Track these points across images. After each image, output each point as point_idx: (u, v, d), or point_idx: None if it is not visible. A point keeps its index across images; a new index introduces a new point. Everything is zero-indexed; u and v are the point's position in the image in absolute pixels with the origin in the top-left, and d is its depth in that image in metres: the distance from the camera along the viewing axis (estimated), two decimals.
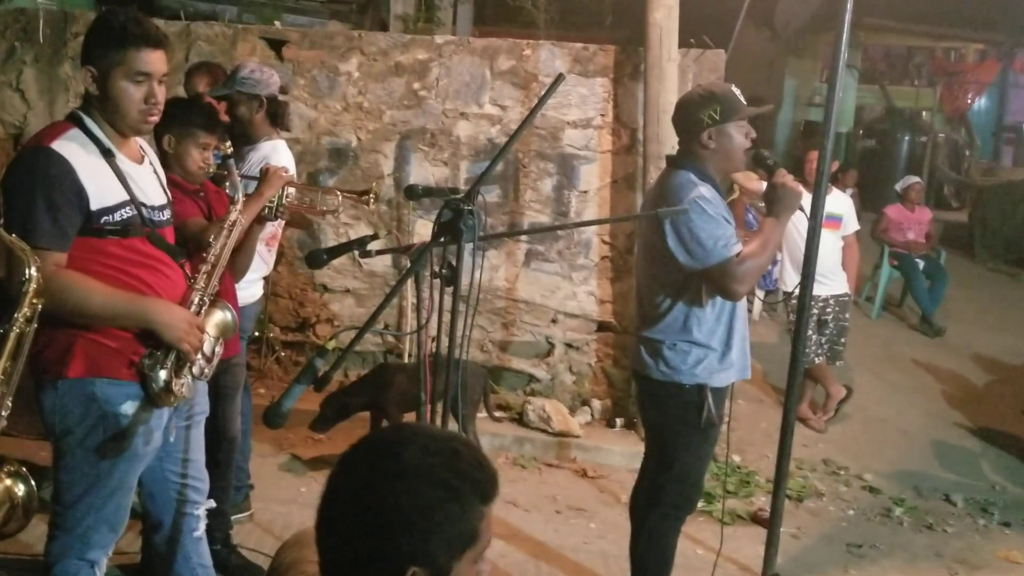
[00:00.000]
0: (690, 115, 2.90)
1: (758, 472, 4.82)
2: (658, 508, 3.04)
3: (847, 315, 5.69)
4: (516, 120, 5.05)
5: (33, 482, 2.16)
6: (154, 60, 2.24)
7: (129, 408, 2.29)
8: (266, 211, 3.01)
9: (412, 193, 2.34)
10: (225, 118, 3.46)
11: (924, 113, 16.63)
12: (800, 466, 4.99)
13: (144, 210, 2.32)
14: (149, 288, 2.31)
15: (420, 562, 1.26)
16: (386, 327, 5.24)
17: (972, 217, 12.73)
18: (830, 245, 5.33)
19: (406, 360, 5.19)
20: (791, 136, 16.19)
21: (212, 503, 2.73)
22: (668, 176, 2.94)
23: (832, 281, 5.51)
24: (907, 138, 15.05)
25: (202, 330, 2.38)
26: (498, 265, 5.23)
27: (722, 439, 3.11)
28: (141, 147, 2.44)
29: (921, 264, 8.18)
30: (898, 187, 8.57)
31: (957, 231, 12.67)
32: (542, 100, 2.28)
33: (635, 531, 3.13)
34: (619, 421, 5.07)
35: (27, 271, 2.04)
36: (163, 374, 2.29)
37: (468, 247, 2.05)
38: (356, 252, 2.36)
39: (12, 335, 2.05)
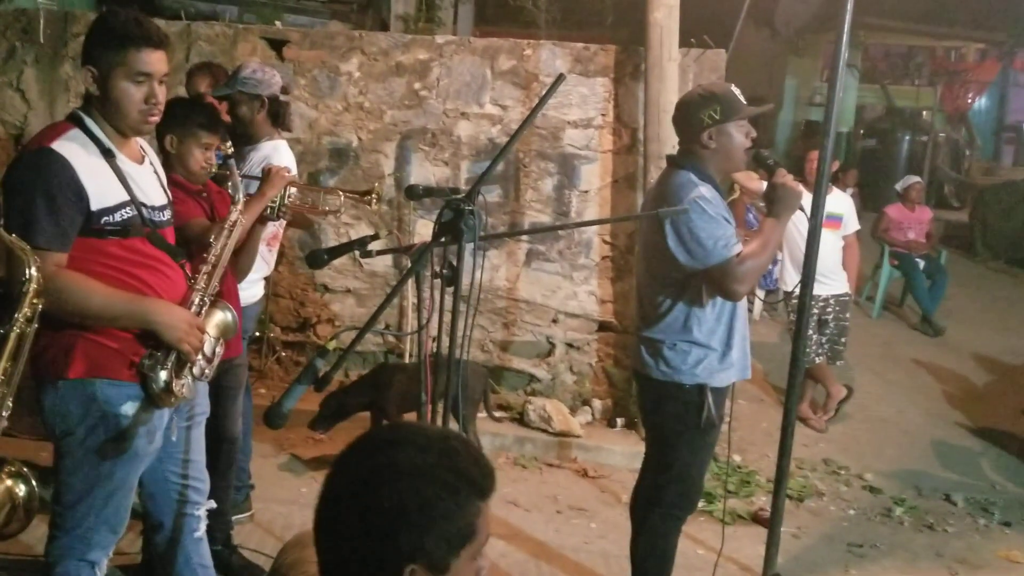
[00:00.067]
0: (690, 115, 2.90)
1: (759, 472, 4.82)
2: (658, 508, 3.04)
3: (847, 315, 5.69)
4: (517, 120, 5.04)
5: (34, 482, 2.17)
6: (155, 60, 2.24)
7: (130, 409, 2.29)
8: (268, 211, 3.01)
9: (413, 193, 2.34)
10: (227, 118, 3.46)
11: (924, 113, 16.64)
12: (801, 466, 4.99)
13: (144, 210, 2.32)
14: (149, 288, 2.31)
15: (418, 559, 1.26)
16: (387, 327, 5.24)
17: (972, 216, 12.74)
18: (830, 245, 5.33)
19: (407, 360, 5.19)
20: (791, 136, 16.21)
21: (213, 504, 2.73)
22: (668, 176, 2.94)
23: (832, 281, 5.51)
24: (908, 138, 15.07)
25: (202, 331, 2.38)
26: (499, 265, 5.23)
27: (723, 439, 3.11)
28: (141, 147, 2.44)
29: (921, 264, 8.19)
30: (898, 187, 8.58)
31: (958, 231, 12.68)
32: (543, 100, 2.28)
33: (635, 531, 3.13)
34: (620, 421, 5.06)
35: (27, 271, 2.04)
36: (163, 375, 2.29)
37: (469, 247, 2.05)
38: (357, 252, 2.36)
39: (12, 335, 2.05)
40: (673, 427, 2.97)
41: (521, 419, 4.98)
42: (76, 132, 2.24)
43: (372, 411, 4.37)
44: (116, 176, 2.26)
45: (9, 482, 2.12)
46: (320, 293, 5.40)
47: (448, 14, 8.95)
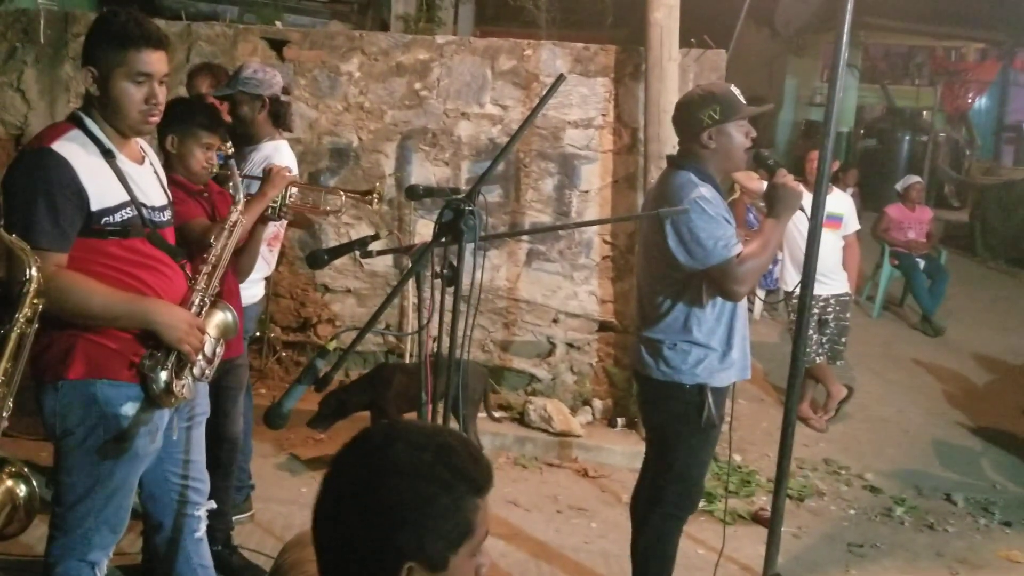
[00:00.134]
0: (690, 115, 2.90)
1: (759, 472, 4.82)
2: (659, 508, 3.04)
3: (848, 314, 5.69)
4: (517, 120, 5.04)
5: (35, 482, 2.17)
6: (155, 61, 2.24)
7: (130, 409, 2.29)
8: (269, 211, 3.01)
9: (413, 193, 2.35)
10: (228, 118, 3.46)
11: (925, 112, 16.64)
12: (801, 465, 4.99)
13: (144, 211, 2.32)
14: (149, 289, 2.31)
15: (416, 557, 1.26)
16: (387, 327, 5.24)
17: (973, 216, 12.74)
18: (831, 245, 5.33)
19: (407, 360, 5.19)
20: (792, 136, 16.21)
21: (213, 504, 2.73)
22: (669, 176, 2.94)
23: (833, 281, 5.52)
24: (908, 137, 15.07)
25: (203, 331, 2.38)
26: (499, 265, 5.23)
27: (723, 439, 3.11)
28: (141, 147, 2.44)
29: (922, 263, 8.19)
30: (899, 186, 8.58)
31: (958, 230, 12.68)
32: (543, 100, 2.28)
33: (636, 531, 3.13)
34: (620, 421, 5.06)
35: (28, 271, 2.04)
36: (164, 375, 2.29)
37: (469, 247, 2.05)
38: (357, 252, 2.36)
39: (13, 336, 2.05)
40: (673, 427, 2.97)
41: (521, 419, 4.98)
42: (76, 132, 2.24)
43: (372, 411, 4.37)
44: (116, 176, 2.26)
45: (10, 482, 2.12)
46: (321, 293, 5.40)
47: (448, 14, 8.95)
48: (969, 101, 17.71)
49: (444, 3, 8.71)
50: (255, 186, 3.09)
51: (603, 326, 5.26)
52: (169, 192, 2.51)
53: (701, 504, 3.66)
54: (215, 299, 2.49)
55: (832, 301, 5.55)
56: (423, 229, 5.15)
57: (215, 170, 2.91)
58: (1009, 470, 5.25)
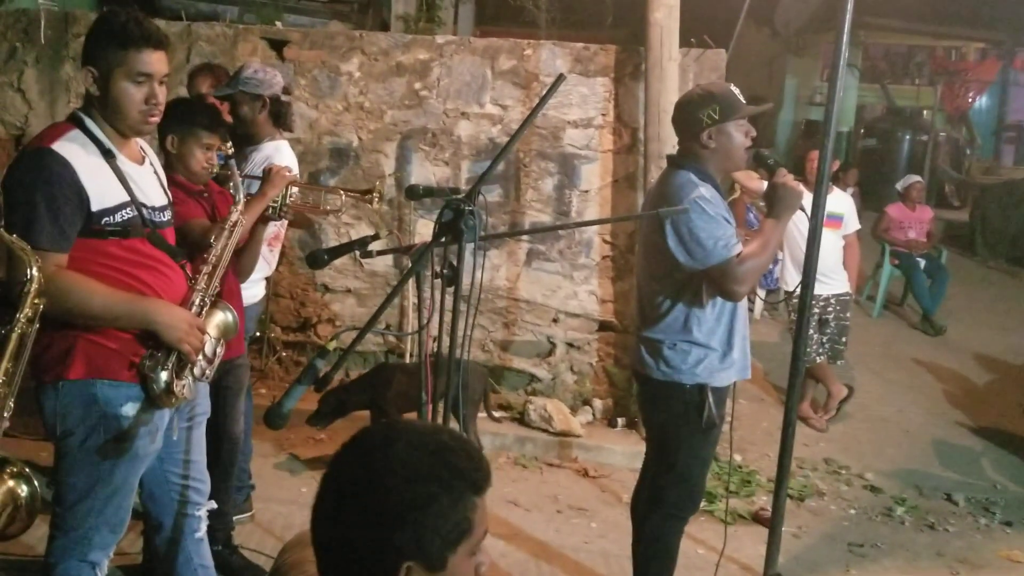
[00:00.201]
0: (689, 115, 2.89)
1: (759, 471, 4.82)
2: (660, 509, 3.04)
3: (848, 314, 5.69)
4: (517, 120, 5.04)
5: (36, 482, 2.17)
6: (155, 61, 2.24)
7: (130, 409, 2.29)
8: (270, 211, 3.01)
9: (413, 193, 2.34)
10: (228, 118, 3.46)
11: (925, 112, 16.66)
12: (801, 465, 4.99)
13: (145, 211, 2.32)
14: (150, 289, 2.31)
15: (415, 557, 1.26)
16: (387, 327, 5.24)
17: (973, 216, 12.75)
18: (831, 244, 5.33)
19: (407, 360, 5.19)
20: (792, 135, 16.22)
21: (213, 504, 2.73)
22: (669, 176, 2.94)
23: (833, 280, 5.52)
24: (908, 137, 15.07)
25: (203, 331, 2.38)
26: (499, 265, 5.23)
27: (724, 438, 3.11)
28: (141, 148, 2.44)
29: (922, 263, 8.20)
30: (899, 186, 8.59)
31: (958, 230, 12.69)
32: (543, 100, 2.28)
33: (637, 532, 3.13)
34: (620, 421, 5.06)
35: (29, 271, 2.04)
36: (164, 375, 2.29)
37: (469, 247, 2.05)
38: (357, 252, 2.36)
39: (14, 336, 2.05)
40: (674, 427, 2.96)
41: (522, 419, 4.99)
42: (76, 133, 2.24)
43: (372, 410, 4.37)
44: (116, 177, 2.26)
45: (11, 483, 2.12)
46: (321, 293, 5.40)
47: (448, 14, 8.95)
48: (969, 101, 17.73)
49: (444, 3, 8.71)
50: (255, 186, 3.09)
51: (603, 326, 5.25)
52: (169, 192, 2.51)
53: (702, 504, 3.66)
54: (215, 299, 2.49)
55: (832, 301, 5.55)
56: (423, 229, 5.15)
57: (215, 170, 2.91)
58: (1010, 470, 5.25)
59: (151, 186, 2.39)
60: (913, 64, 19.33)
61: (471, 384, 4.35)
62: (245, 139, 3.51)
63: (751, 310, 7.32)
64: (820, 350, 5.53)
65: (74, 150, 2.21)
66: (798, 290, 3.40)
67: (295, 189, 3.15)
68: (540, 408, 4.93)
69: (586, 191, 5.15)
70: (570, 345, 5.29)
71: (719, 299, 2.87)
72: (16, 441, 3.72)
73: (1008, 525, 4.54)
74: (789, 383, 3.43)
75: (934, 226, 8.68)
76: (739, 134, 2.88)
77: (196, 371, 2.40)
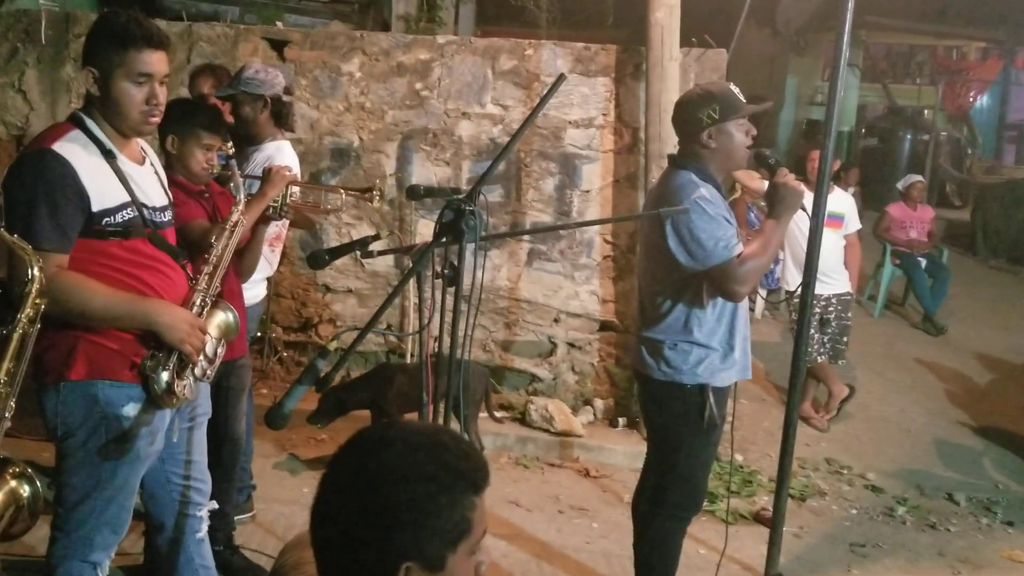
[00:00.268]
0: (689, 115, 2.89)
1: (760, 471, 4.81)
2: (662, 510, 3.03)
3: (849, 314, 5.69)
4: (518, 120, 5.04)
5: (38, 483, 2.17)
6: (155, 61, 2.24)
7: (131, 410, 2.29)
8: (270, 211, 3.01)
9: (413, 193, 2.35)
10: (230, 119, 3.46)
11: (926, 111, 16.64)
12: (803, 465, 4.98)
13: (146, 211, 2.32)
14: (151, 289, 2.31)
15: (413, 557, 1.26)
16: (388, 327, 5.24)
17: (974, 215, 12.74)
18: (832, 244, 5.33)
19: (408, 360, 5.19)
20: (793, 135, 16.22)
21: (214, 504, 2.73)
22: (669, 176, 2.94)
23: (834, 280, 5.52)
24: (909, 136, 15.05)
25: (204, 331, 2.38)
26: (500, 265, 5.23)
27: (725, 438, 3.10)
28: (142, 148, 2.44)
29: (923, 262, 8.19)
30: (900, 185, 8.58)
31: (959, 229, 12.68)
32: (543, 100, 2.28)
33: (639, 533, 3.12)
34: (621, 420, 5.06)
35: (30, 271, 2.05)
36: (165, 375, 2.29)
37: (470, 247, 2.05)
38: (358, 252, 2.36)
39: (15, 336, 2.05)
40: (675, 427, 2.96)
41: (523, 419, 4.99)
42: (77, 133, 2.24)
43: (372, 410, 4.38)
44: (117, 177, 2.26)
45: (13, 483, 2.12)
46: (322, 293, 5.41)
47: (449, 14, 8.94)
48: (970, 100, 17.72)
49: (445, 3, 8.70)
50: (256, 186, 3.09)
51: (604, 326, 5.25)
52: (170, 193, 2.51)
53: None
54: (216, 299, 2.49)
55: (834, 300, 5.55)
56: (424, 229, 5.15)
57: (215, 171, 2.91)
58: (1011, 469, 5.25)
59: (152, 186, 2.39)
60: (914, 63, 19.33)
61: (472, 384, 4.35)
62: (247, 139, 3.51)
63: (752, 310, 7.33)
64: (821, 350, 5.53)
65: (75, 150, 2.21)
66: (799, 290, 3.39)
67: (296, 189, 3.15)
68: (541, 408, 4.93)
69: (587, 191, 5.14)
70: (571, 345, 5.28)
71: (720, 299, 2.86)
72: (18, 442, 3.72)
73: (1010, 525, 4.54)
74: (790, 383, 3.43)
75: (935, 226, 8.67)
76: (739, 133, 2.88)
77: (197, 371, 2.40)
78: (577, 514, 4.25)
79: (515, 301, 5.26)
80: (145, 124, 2.30)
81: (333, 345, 1.96)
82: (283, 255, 4.55)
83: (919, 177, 8.84)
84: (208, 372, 2.46)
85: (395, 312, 5.33)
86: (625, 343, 5.13)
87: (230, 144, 2.87)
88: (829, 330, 5.55)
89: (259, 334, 5.07)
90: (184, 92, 4.19)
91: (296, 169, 3.40)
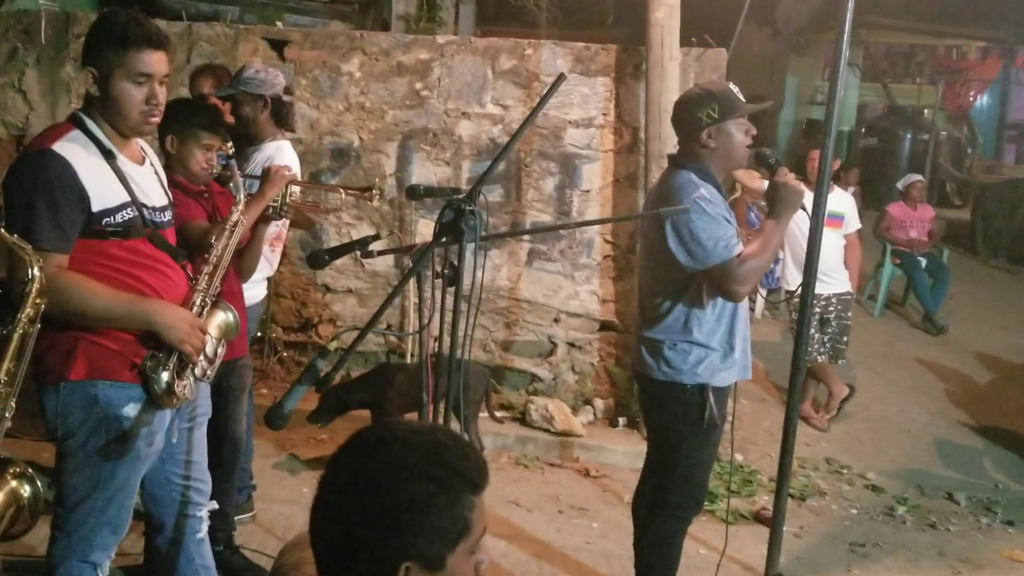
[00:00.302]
0: (689, 114, 2.89)
1: (760, 471, 4.81)
2: (663, 510, 3.03)
3: (849, 313, 5.69)
4: (518, 120, 5.04)
5: (39, 483, 2.17)
6: (155, 61, 2.24)
7: (131, 410, 2.29)
8: (270, 210, 3.01)
9: (413, 193, 2.35)
10: (230, 119, 3.46)
11: (926, 111, 16.62)
12: (803, 465, 4.98)
13: (145, 211, 2.32)
14: (151, 289, 2.31)
15: (412, 557, 1.27)
16: (388, 327, 5.24)
17: (974, 215, 12.73)
18: (832, 244, 5.33)
19: (408, 360, 5.19)
20: (793, 135, 16.22)
21: (215, 504, 2.73)
22: (669, 176, 2.94)
23: (834, 280, 5.52)
24: (909, 136, 15.05)
25: (204, 331, 2.38)
26: (500, 265, 5.23)
27: (725, 438, 3.10)
28: (142, 148, 2.44)
29: (923, 262, 8.19)
30: (900, 185, 8.58)
31: (959, 229, 12.67)
32: (543, 100, 2.28)
33: (640, 534, 3.12)
34: (622, 420, 5.06)
35: (30, 271, 2.05)
36: (165, 376, 2.29)
37: (470, 247, 2.05)
38: (358, 252, 2.36)
39: (16, 336, 2.06)
40: (676, 428, 2.96)
41: (523, 419, 4.99)
42: (76, 133, 2.24)
43: (372, 410, 4.38)
44: (117, 177, 2.26)
45: (14, 483, 2.12)
46: (322, 293, 5.41)
47: (449, 14, 8.94)
48: (971, 99, 17.72)
49: (445, 3, 8.70)
50: (256, 186, 3.09)
51: (604, 325, 5.25)
52: (170, 193, 2.51)
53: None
54: (216, 299, 2.49)
55: (834, 300, 5.54)
56: (424, 229, 5.14)
57: (215, 171, 2.91)
58: (1011, 469, 5.25)
59: (152, 186, 2.39)
60: (914, 63, 19.32)
61: (472, 384, 4.35)
62: (247, 139, 3.51)
63: (752, 309, 7.33)
64: (821, 349, 5.53)
65: (74, 150, 2.21)
66: (799, 290, 3.39)
67: (295, 188, 3.15)
68: (541, 408, 4.93)
69: (587, 191, 5.14)
70: (571, 345, 5.28)
71: (719, 299, 2.86)
72: (18, 442, 3.72)
73: (1010, 524, 4.54)
74: (790, 383, 3.43)
75: (935, 225, 8.67)
76: (739, 133, 2.88)
77: (197, 371, 2.40)
78: (577, 514, 4.25)
79: (515, 301, 5.26)
80: (145, 124, 2.30)
81: (333, 345, 1.96)
82: (283, 255, 4.55)
83: (919, 177, 8.84)
84: (208, 372, 2.46)
85: (395, 312, 5.33)
86: (625, 343, 5.13)
87: (230, 144, 2.87)
88: (829, 330, 5.55)
89: (259, 334, 5.07)
90: (184, 92, 4.19)
91: (296, 169, 3.40)
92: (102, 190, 2.22)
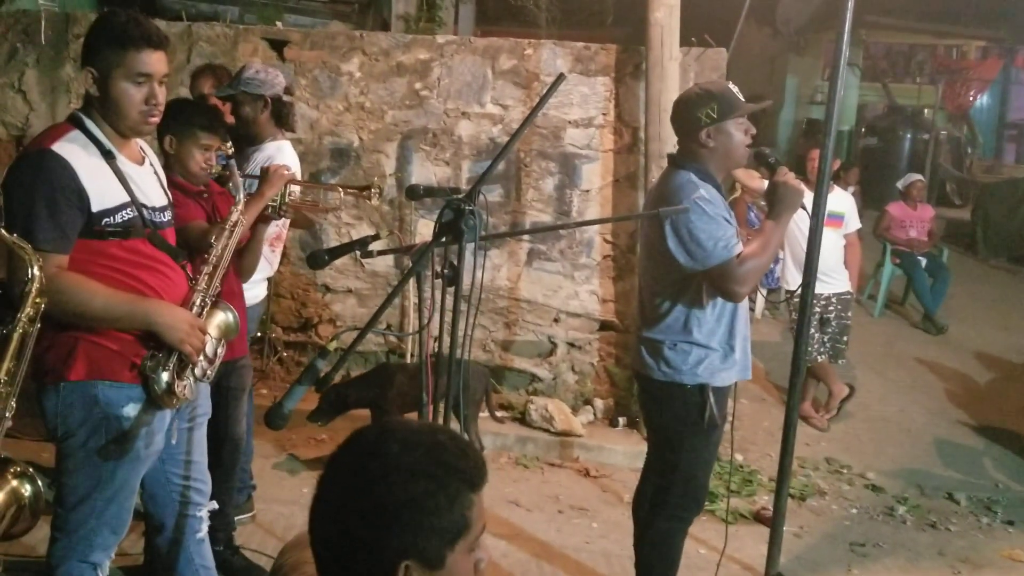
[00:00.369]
0: (688, 114, 2.89)
1: (761, 471, 4.81)
2: (663, 510, 3.03)
3: (849, 313, 5.69)
4: (518, 119, 5.04)
5: (40, 482, 2.17)
6: (154, 61, 2.24)
7: (131, 410, 2.29)
8: (269, 210, 3.01)
9: (413, 193, 2.35)
10: (230, 119, 3.46)
11: (926, 111, 16.60)
12: (803, 465, 4.98)
13: (145, 211, 2.32)
14: (150, 289, 2.31)
15: (412, 556, 1.27)
16: (388, 327, 5.24)
17: (974, 214, 12.72)
18: (832, 243, 5.33)
19: (408, 360, 5.19)
20: (793, 134, 16.21)
21: (215, 504, 2.73)
22: (669, 176, 2.93)
23: (834, 279, 5.52)
24: (909, 136, 15.03)
25: (204, 331, 2.38)
26: (500, 264, 5.23)
27: (725, 438, 3.10)
28: (141, 148, 2.44)
29: (923, 262, 8.19)
30: (900, 185, 8.58)
31: (959, 228, 12.66)
32: (543, 100, 2.28)
33: (640, 534, 3.12)
34: (621, 420, 5.06)
35: (30, 270, 2.05)
36: (165, 376, 2.29)
37: (470, 247, 2.05)
38: (358, 252, 2.36)
39: (16, 335, 2.06)
40: (676, 428, 2.96)
41: (523, 419, 4.99)
42: (76, 133, 2.24)
43: (372, 410, 4.38)
44: (116, 177, 2.26)
45: (15, 482, 2.13)
46: (321, 293, 5.41)
47: (449, 14, 8.94)
48: (971, 99, 17.70)
49: (445, 3, 8.70)
50: (256, 185, 3.09)
51: (604, 325, 5.25)
52: (169, 193, 2.51)
53: None
54: (216, 299, 2.49)
55: (834, 300, 5.54)
56: (424, 229, 5.15)
57: (214, 171, 2.90)
58: (1011, 469, 5.24)
59: (151, 187, 2.39)
60: (914, 63, 19.30)
61: (472, 384, 4.35)
62: (247, 139, 3.52)
63: (752, 309, 7.33)
64: (821, 349, 5.53)
65: (74, 151, 2.21)
66: (799, 289, 3.39)
67: (295, 187, 3.15)
68: (541, 408, 4.93)
69: (587, 191, 5.14)
70: (571, 345, 5.28)
71: (719, 299, 2.86)
72: (18, 442, 3.72)
73: (1010, 524, 4.54)
74: (790, 382, 3.43)
75: (935, 225, 8.67)
76: (738, 132, 2.87)
77: (197, 371, 2.40)
78: (577, 514, 4.25)
79: (515, 301, 5.26)
80: (144, 124, 2.30)
81: (333, 345, 1.96)
82: (283, 255, 4.56)
83: (919, 176, 8.84)
84: (208, 372, 2.46)
85: (395, 312, 5.33)
86: (625, 343, 5.13)
87: (229, 144, 2.87)
88: (829, 329, 5.55)
89: (259, 334, 5.07)
90: (184, 92, 4.19)
91: (296, 169, 3.40)
92: (102, 190, 2.22)
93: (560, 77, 2.33)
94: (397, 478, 1.27)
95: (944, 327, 7.96)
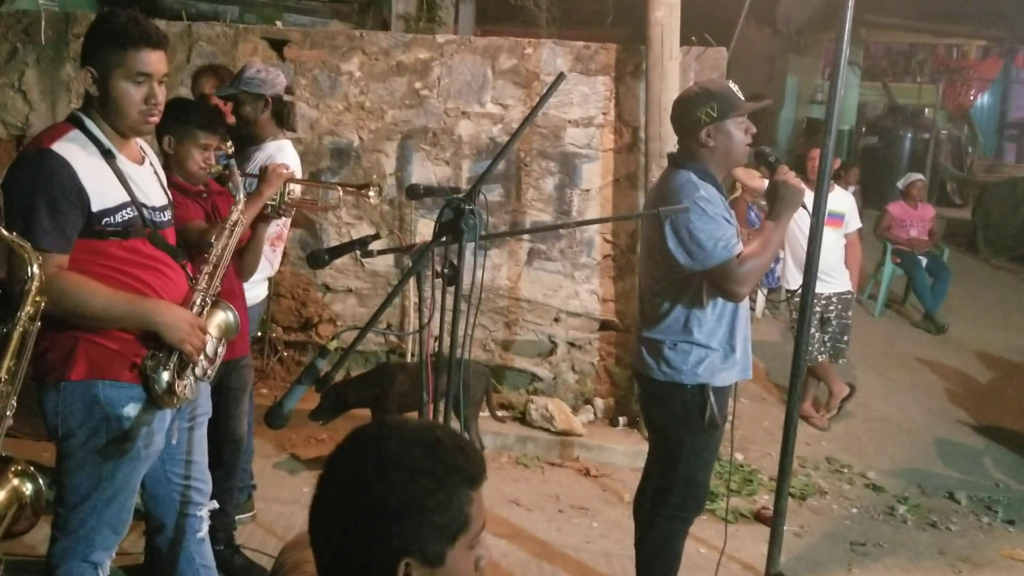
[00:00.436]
0: (688, 113, 2.88)
1: (761, 470, 4.81)
2: (664, 510, 3.03)
3: (850, 313, 5.69)
4: (518, 119, 5.04)
5: (41, 481, 2.17)
6: (154, 61, 2.24)
7: (131, 410, 2.29)
8: (269, 209, 3.01)
9: (413, 193, 2.35)
10: (231, 118, 3.46)
11: (926, 110, 16.60)
12: (803, 464, 4.98)
13: (145, 211, 2.32)
14: (151, 289, 2.31)
15: (412, 553, 1.27)
16: (388, 327, 5.24)
17: (975, 214, 12.71)
18: (832, 243, 5.33)
19: (409, 360, 5.19)
20: (793, 134, 16.19)
21: (215, 504, 2.73)
22: (669, 176, 2.93)
23: (835, 279, 5.51)
24: (909, 135, 15.02)
25: (204, 331, 2.38)
26: (500, 264, 5.23)
27: (725, 437, 3.10)
28: (141, 148, 2.44)
29: (924, 261, 8.19)
30: (900, 184, 8.58)
31: (960, 228, 12.66)
32: (543, 99, 2.28)
33: (641, 534, 3.12)
34: (622, 420, 5.06)
35: (30, 269, 2.05)
36: (165, 375, 2.29)
37: (470, 246, 2.05)
38: (358, 252, 2.36)
39: (16, 334, 2.06)
40: (676, 428, 2.96)
41: (523, 418, 4.99)
42: (76, 133, 2.24)
43: (373, 409, 4.38)
44: (116, 177, 2.26)
45: (16, 481, 2.13)
46: (322, 293, 5.41)
47: (449, 13, 8.93)
48: (971, 98, 17.70)
49: (445, 2, 8.70)
50: (256, 184, 3.09)
51: (604, 325, 5.25)
52: (169, 193, 2.51)
53: None
54: (216, 299, 2.49)
55: (834, 299, 5.54)
56: (424, 228, 5.15)
57: (213, 170, 2.90)
58: (1012, 468, 5.24)
59: (151, 186, 2.39)
60: (915, 62, 19.29)
61: (472, 384, 4.35)
62: (248, 139, 3.52)
63: (752, 309, 7.33)
64: (822, 349, 5.53)
65: (74, 150, 2.21)
66: (800, 289, 3.39)
67: (295, 187, 3.15)
68: (541, 407, 4.93)
69: (587, 190, 5.14)
70: (571, 344, 5.28)
71: (720, 299, 2.86)
72: (19, 442, 3.72)
73: (1010, 524, 4.54)
74: (791, 382, 3.43)
75: (936, 224, 8.67)
76: (738, 132, 2.87)
77: (197, 371, 2.40)
78: (577, 513, 4.25)
79: (515, 300, 5.26)
80: (144, 124, 2.30)
81: (333, 345, 1.96)
82: (284, 255, 4.56)
83: (919, 176, 8.84)
84: (209, 372, 2.46)
85: (395, 311, 5.33)
86: (625, 342, 5.13)
87: (229, 144, 2.87)
88: (830, 329, 5.55)
89: (259, 334, 5.07)
90: (184, 92, 4.20)
91: (296, 168, 3.40)
92: (102, 190, 2.22)
93: (560, 76, 2.33)
94: (396, 476, 1.28)
95: (944, 327, 7.96)
